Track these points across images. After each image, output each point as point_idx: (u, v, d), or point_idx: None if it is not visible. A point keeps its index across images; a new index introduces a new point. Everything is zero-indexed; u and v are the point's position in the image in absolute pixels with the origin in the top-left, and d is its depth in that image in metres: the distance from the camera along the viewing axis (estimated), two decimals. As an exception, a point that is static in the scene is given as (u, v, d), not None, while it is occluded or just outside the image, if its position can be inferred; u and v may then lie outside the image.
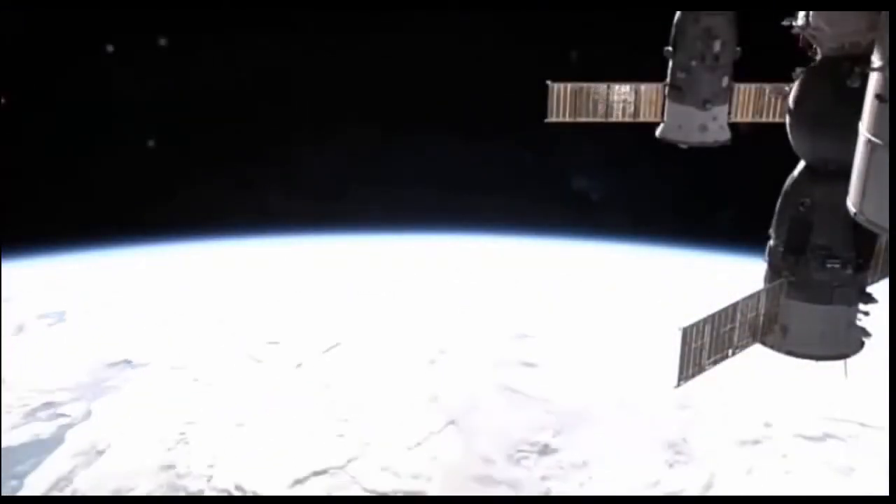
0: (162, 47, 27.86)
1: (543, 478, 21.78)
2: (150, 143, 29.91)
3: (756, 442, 22.72)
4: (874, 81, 3.58)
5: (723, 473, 21.71)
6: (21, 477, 21.56)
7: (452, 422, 23.82)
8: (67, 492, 21.18)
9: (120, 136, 30.43)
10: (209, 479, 21.55)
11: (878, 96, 3.54)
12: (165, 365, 26.68)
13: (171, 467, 22.04)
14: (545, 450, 22.79)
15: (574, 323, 29.70)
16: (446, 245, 35.43)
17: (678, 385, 5.18)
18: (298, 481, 21.28)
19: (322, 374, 26.28)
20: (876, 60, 3.56)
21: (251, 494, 21.15)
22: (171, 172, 30.21)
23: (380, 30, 28.99)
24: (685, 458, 22.31)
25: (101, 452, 22.70)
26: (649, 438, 23.00)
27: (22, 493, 21.09)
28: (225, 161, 31.04)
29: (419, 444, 22.93)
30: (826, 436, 23.06)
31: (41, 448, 22.77)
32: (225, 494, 21.09)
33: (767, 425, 23.38)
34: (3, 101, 24.35)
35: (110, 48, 27.65)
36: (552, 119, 6.99)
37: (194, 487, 21.38)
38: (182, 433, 23.40)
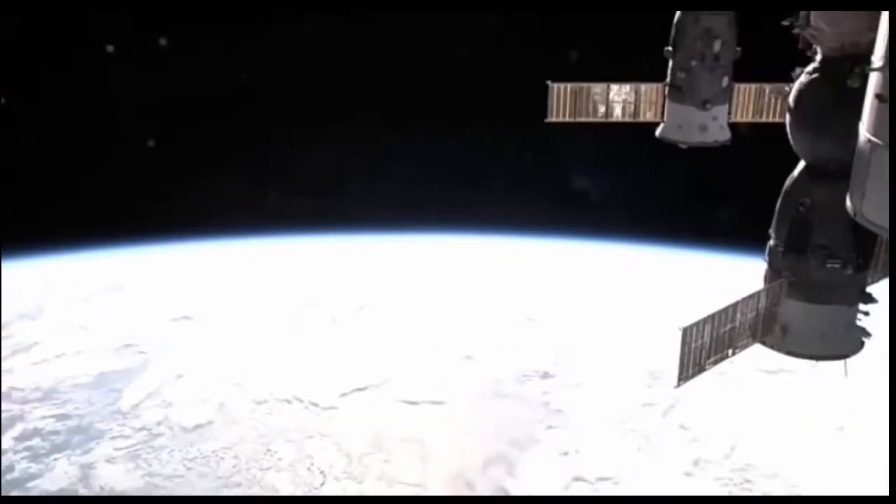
0: (161, 47, 27.88)
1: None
2: (150, 143, 29.93)
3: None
4: (874, 81, 3.58)
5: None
6: (120, 390, 25.03)
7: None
8: (156, 400, 24.61)
9: (119, 136, 30.43)
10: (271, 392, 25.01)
11: (878, 96, 3.54)
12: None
13: (239, 384, 25.49)
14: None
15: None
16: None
17: (678, 385, 5.19)
18: (344, 394, 25.06)
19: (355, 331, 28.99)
20: (876, 60, 3.56)
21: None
22: (170, 172, 30.22)
23: (380, 29, 29.00)
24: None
25: (179, 376, 26.12)
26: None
27: (120, 403, 24.40)
28: (224, 161, 31.07)
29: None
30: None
31: (128, 374, 26.18)
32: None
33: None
34: (2, 100, 24.39)
35: (110, 48, 27.67)
36: (552, 119, 6.99)
37: (260, 397, 24.82)
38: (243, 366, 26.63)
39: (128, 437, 23.13)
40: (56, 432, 23.34)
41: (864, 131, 3.65)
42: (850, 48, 4.84)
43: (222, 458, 22.27)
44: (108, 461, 22.11)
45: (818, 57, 5.15)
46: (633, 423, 24.14)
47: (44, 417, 24.06)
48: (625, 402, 25.17)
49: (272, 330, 29.10)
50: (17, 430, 23.35)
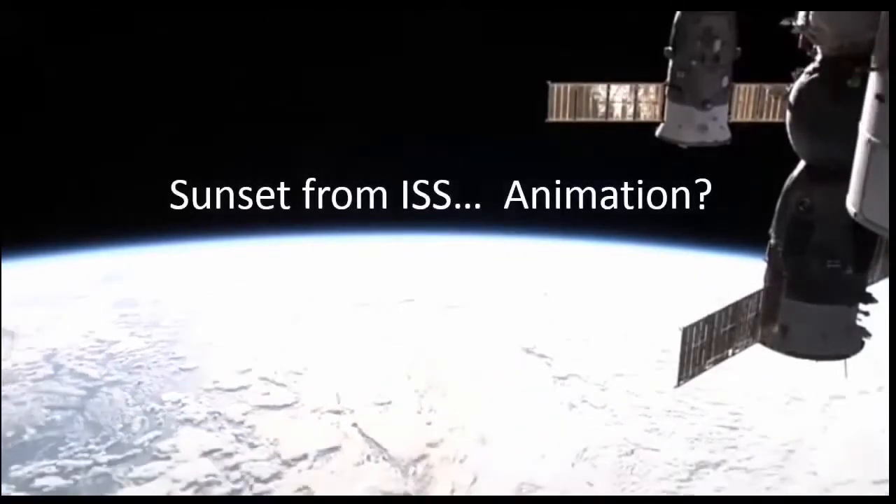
0: (161, 46, 27.85)
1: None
2: (149, 143, 29.93)
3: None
4: (874, 81, 3.58)
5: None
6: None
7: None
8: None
9: (120, 136, 30.41)
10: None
11: (878, 96, 3.54)
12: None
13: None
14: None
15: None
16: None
17: (678, 385, 5.19)
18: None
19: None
20: (876, 60, 3.56)
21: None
22: (170, 171, 30.17)
23: (380, 28, 28.99)
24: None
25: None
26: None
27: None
28: (225, 160, 31.02)
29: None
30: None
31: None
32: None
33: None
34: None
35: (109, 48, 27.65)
36: (552, 119, 7.00)
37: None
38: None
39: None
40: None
41: (864, 131, 3.65)
42: (850, 48, 4.84)
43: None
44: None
45: (818, 57, 5.15)
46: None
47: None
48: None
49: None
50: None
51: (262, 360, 27.58)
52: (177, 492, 21.32)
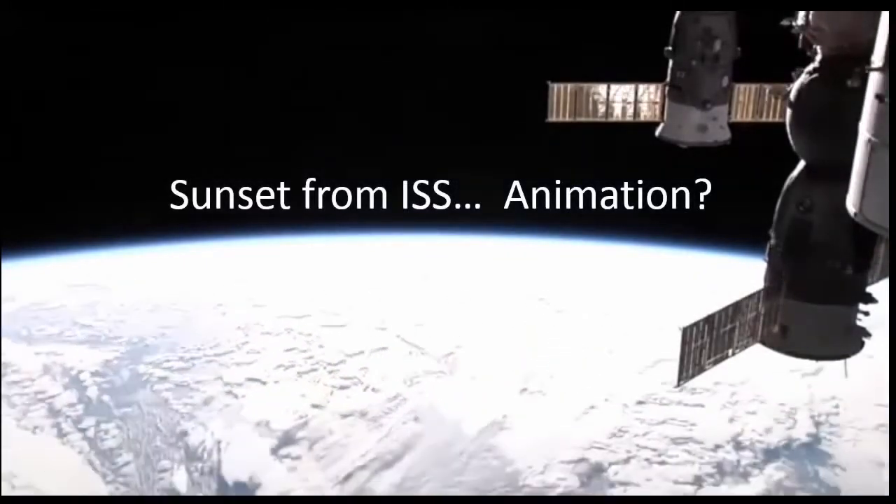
0: (160, 45, 27.84)
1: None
2: (149, 143, 29.92)
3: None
4: (874, 81, 3.58)
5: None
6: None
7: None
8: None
9: (119, 136, 30.39)
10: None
11: (878, 96, 3.54)
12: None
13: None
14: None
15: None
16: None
17: (678, 385, 5.19)
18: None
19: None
20: (876, 60, 3.55)
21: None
22: (170, 171, 30.17)
23: (380, 28, 28.97)
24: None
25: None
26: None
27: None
28: (225, 160, 31.01)
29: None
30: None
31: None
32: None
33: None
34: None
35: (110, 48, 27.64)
36: (552, 119, 7.00)
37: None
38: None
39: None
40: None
41: (864, 131, 3.65)
42: (850, 48, 4.84)
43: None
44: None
45: (818, 57, 5.15)
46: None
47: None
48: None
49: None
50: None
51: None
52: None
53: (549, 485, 21.78)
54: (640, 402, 25.02)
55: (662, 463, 22.59)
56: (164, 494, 21.41)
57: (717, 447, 23.11)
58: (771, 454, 22.70)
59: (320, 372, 27.14)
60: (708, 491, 21.49)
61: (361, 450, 23.64)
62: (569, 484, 21.89)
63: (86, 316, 30.26)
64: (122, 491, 21.90)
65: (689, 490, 21.57)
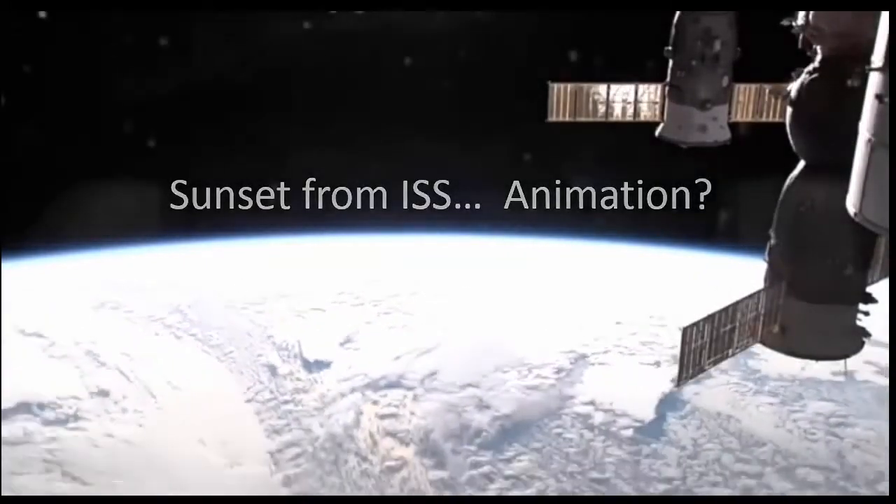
0: (160, 45, 27.84)
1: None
2: (150, 143, 29.91)
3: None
4: (874, 81, 3.58)
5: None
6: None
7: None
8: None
9: (119, 136, 30.39)
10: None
11: (878, 96, 3.54)
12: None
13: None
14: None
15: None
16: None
17: (678, 385, 5.20)
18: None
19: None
20: (876, 60, 3.56)
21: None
22: (170, 171, 30.18)
23: (380, 28, 28.98)
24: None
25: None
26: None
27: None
28: (224, 160, 31.02)
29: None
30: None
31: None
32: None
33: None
34: (1, 101, 24.38)
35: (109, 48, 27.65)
36: (552, 119, 7.01)
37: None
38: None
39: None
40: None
41: (864, 131, 3.65)
42: (850, 48, 4.84)
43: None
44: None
45: (818, 57, 5.16)
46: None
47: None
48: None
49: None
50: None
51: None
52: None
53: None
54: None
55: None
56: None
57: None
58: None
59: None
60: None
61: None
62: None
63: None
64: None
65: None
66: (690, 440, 22.66)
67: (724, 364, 5.21)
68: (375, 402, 24.60)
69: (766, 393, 24.36)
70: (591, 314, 30.22)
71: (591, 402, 24.81)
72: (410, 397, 24.69)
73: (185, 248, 34.76)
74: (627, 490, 20.69)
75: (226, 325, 29.63)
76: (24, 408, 23.65)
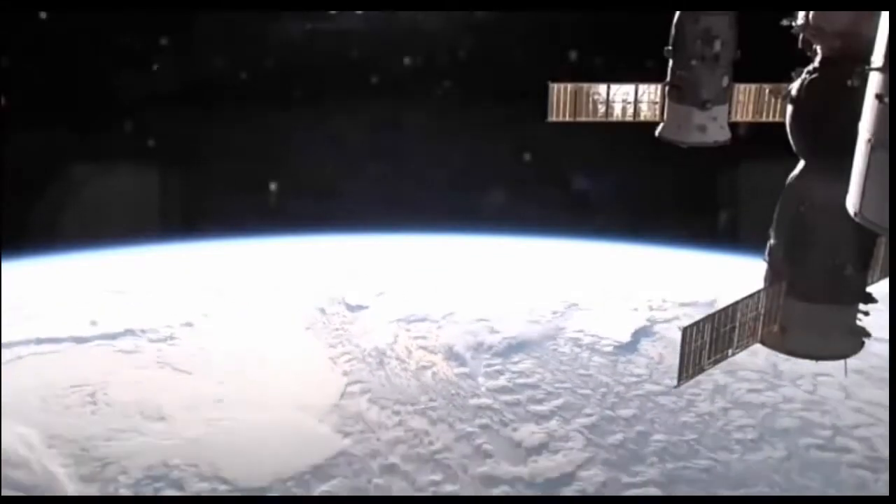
0: (160, 45, 27.88)
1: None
2: (151, 143, 29.94)
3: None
4: (874, 81, 3.58)
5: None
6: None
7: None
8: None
9: (119, 136, 30.41)
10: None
11: (877, 96, 3.54)
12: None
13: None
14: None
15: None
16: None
17: (678, 385, 5.19)
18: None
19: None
20: (876, 60, 3.56)
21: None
22: (170, 172, 30.23)
23: (380, 27, 29.01)
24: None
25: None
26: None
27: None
28: (224, 160, 31.06)
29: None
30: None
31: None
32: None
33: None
34: (2, 102, 24.38)
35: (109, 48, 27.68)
36: (552, 119, 7.00)
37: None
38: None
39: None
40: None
41: (864, 131, 3.65)
42: (850, 48, 4.84)
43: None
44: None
45: (818, 57, 5.16)
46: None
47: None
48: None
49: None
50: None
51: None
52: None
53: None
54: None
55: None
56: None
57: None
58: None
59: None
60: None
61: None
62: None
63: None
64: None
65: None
66: (658, 354, 26.55)
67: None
68: (408, 329, 28.41)
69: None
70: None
71: (581, 330, 28.47)
72: (435, 327, 28.60)
73: (207, 246, 34.81)
74: (606, 379, 25.01)
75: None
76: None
